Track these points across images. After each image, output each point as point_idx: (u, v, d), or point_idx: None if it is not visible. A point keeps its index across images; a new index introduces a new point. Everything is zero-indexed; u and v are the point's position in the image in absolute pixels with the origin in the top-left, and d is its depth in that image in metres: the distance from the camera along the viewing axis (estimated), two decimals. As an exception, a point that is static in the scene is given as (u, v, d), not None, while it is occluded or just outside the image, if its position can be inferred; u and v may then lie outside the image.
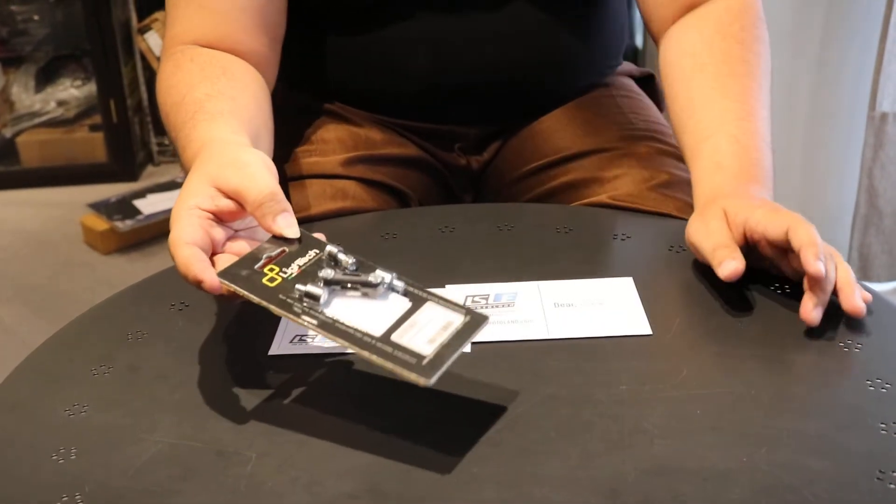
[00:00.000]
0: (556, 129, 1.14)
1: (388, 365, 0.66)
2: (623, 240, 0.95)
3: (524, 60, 1.10)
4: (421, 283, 0.73)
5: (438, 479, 0.65)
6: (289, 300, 0.70)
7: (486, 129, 1.15)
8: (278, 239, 0.75)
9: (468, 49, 1.08)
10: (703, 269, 0.88)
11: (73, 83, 3.19)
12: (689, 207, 1.03)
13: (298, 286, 0.70)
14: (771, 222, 0.81)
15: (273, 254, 0.73)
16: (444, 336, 0.68)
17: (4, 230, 2.84)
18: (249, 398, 0.74)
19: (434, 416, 0.71)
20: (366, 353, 0.66)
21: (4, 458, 0.69)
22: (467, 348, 0.70)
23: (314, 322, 0.69)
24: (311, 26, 1.11)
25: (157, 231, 2.73)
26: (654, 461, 0.65)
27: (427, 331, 0.69)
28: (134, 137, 3.14)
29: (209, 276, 0.72)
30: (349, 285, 0.72)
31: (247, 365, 0.79)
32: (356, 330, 0.68)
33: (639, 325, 0.80)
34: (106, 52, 3.04)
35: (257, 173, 0.77)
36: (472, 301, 0.84)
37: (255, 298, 0.69)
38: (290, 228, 0.75)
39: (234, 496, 0.64)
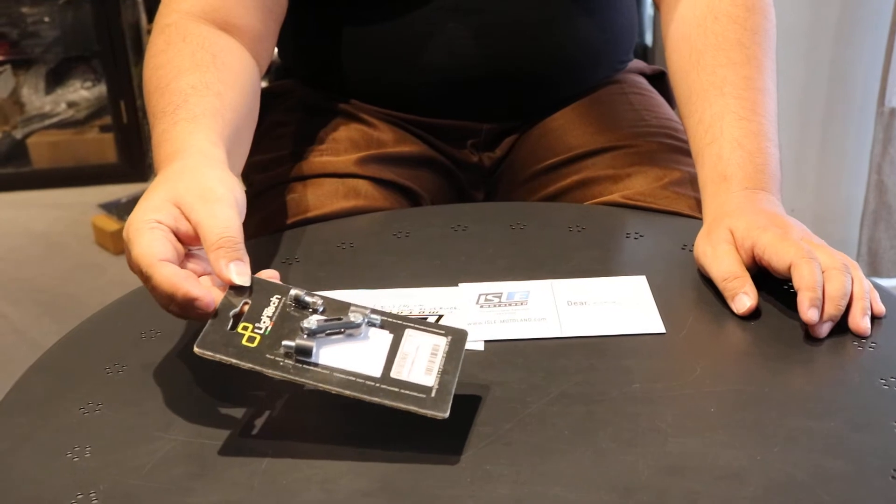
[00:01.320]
0: (569, 127, 1.14)
1: (400, 406, 0.66)
2: (636, 238, 0.95)
3: (537, 54, 1.10)
4: (391, 312, 0.74)
5: (452, 476, 0.65)
6: (276, 359, 0.68)
7: (498, 125, 1.15)
8: (235, 288, 0.72)
9: (481, 43, 1.08)
10: (716, 268, 0.88)
11: (83, 84, 3.20)
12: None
13: (286, 343, 0.68)
14: (776, 253, 0.80)
15: (236, 310, 0.71)
16: (438, 363, 0.69)
17: (15, 231, 2.85)
18: (263, 396, 0.74)
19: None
20: (375, 399, 0.66)
21: (19, 457, 0.70)
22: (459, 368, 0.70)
23: (314, 380, 0.67)
24: (325, 20, 1.12)
25: (168, 231, 2.73)
26: (668, 459, 0.65)
27: (420, 361, 0.69)
28: (144, 138, 3.14)
29: (203, 292, 0.70)
30: (332, 332, 0.70)
31: (260, 364, 0.78)
32: (356, 376, 0.67)
33: (652, 323, 0.80)
34: (115, 54, 3.04)
35: (222, 212, 0.74)
36: (486, 299, 0.84)
37: (244, 365, 0.67)
38: (242, 277, 0.72)
39: (248, 494, 0.64)
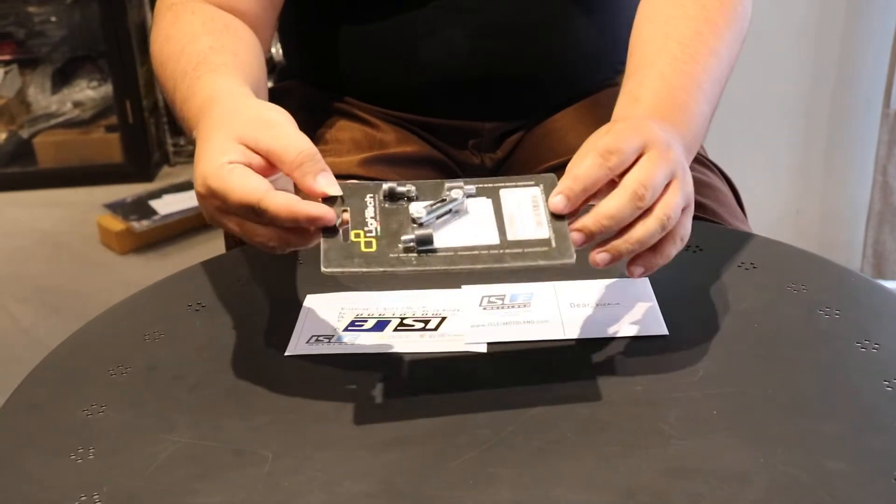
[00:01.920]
0: (571, 128, 1.14)
1: (529, 263, 0.67)
2: (639, 240, 0.95)
3: (537, 55, 1.10)
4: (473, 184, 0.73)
5: (454, 479, 0.65)
6: (400, 256, 0.68)
7: (500, 125, 1.15)
8: (327, 200, 0.71)
9: (480, 42, 1.08)
10: (720, 269, 0.88)
11: (90, 84, 3.21)
12: (705, 208, 1.03)
13: (405, 237, 0.68)
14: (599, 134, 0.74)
15: (339, 220, 0.70)
16: (542, 212, 0.70)
17: (21, 231, 2.86)
18: (266, 398, 0.74)
19: (450, 416, 0.71)
20: (505, 265, 0.67)
21: (23, 458, 0.70)
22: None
23: (442, 265, 0.67)
24: (326, 19, 1.12)
25: (174, 231, 2.74)
26: (671, 461, 0.65)
27: (527, 216, 0.70)
28: (150, 138, 3.15)
29: (322, 209, 0.68)
30: (440, 214, 0.70)
31: (263, 365, 0.79)
32: (479, 248, 0.68)
33: (655, 325, 0.80)
34: (122, 53, 3.05)
35: (289, 132, 0.73)
36: (489, 301, 0.84)
37: (375, 271, 0.66)
38: (332, 187, 0.71)
39: (251, 496, 0.64)
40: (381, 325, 0.82)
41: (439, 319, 0.82)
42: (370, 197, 0.71)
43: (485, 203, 0.71)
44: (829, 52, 2.16)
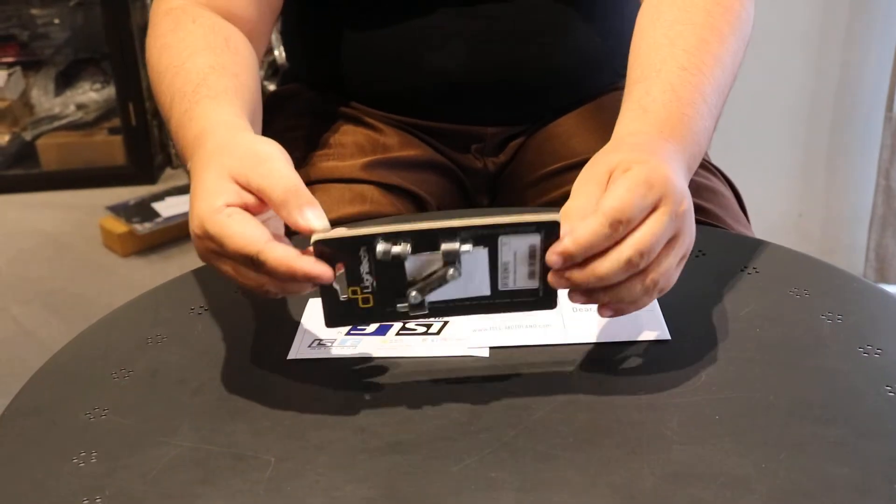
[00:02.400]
0: (574, 133, 1.14)
1: (516, 311, 0.72)
2: (641, 244, 0.95)
3: (539, 59, 1.10)
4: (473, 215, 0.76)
5: (456, 484, 0.65)
6: (397, 311, 0.71)
7: (503, 129, 1.15)
8: (321, 255, 0.69)
9: (484, 48, 1.08)
10: (723, 274, 0.88)
11: (93, 86, 3.21)
12: (708, 212, 1.03)
13: (399, 306, 0.71)
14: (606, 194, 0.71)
15: (334, 280, 0.70)
16: (538, 263, 0.71)
17: (24, 232, 2.86)
18: (268, 402, 0.74)
19: (452, 420, 0.71)
20: (494, 313, 0.72)
21: (26, 462, 0.70)
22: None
23: (435, 316, 0.72)
24: (328, 23, 1.12)
25: (176, 234, 2.74)
26: (673, 467, 0.65)
27: (521, 267, 0.71)
28: (152, 140, 3.15)
29: (320, 268, 0.68)
30: (435, 288, 0.71)
31: (265, 369, 0.79)
32: (470, 300, 0.72)
33: (657, 329, 0.80)
34: (125, 56, 3.05)
35: (278, 168, 0.72)
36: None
37: (374, 325, 0.72)
38: (320, 220, 0.70)
39: (253, 500, 0.64)
40: (383, 329, 0.82)
41: (442, 323, 0.82)
42: (363, 250, 0.70)
43: (481, 254, 0.70)
44: (831, 55, 2.16)
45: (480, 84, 1.10)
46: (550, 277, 0.70)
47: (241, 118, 0.83)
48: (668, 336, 0.79)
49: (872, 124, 2.18)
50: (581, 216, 0.69)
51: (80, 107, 3.19)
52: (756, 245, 0.94)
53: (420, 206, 1.10)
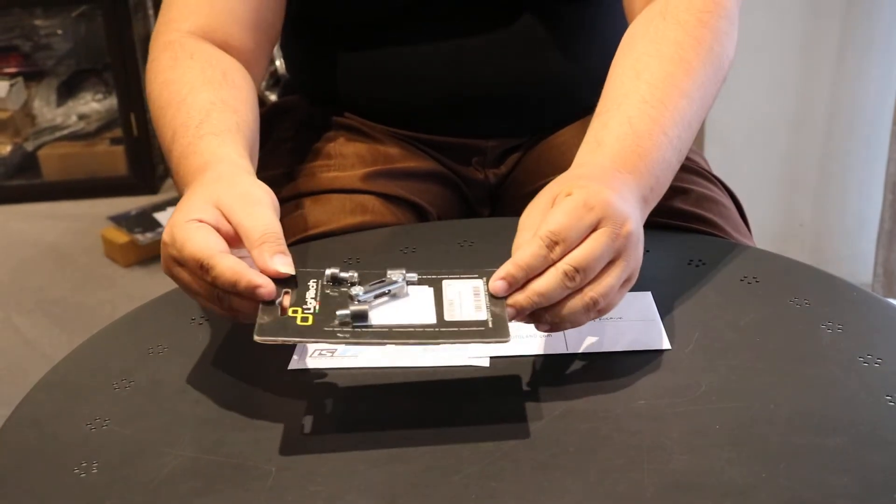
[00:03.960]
0: (573, 144, 1.13)
1: (464, 341, 0.69)
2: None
3: (539, 74, 1.10)
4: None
5: (457, 493, 0.65)
6: (334, 329, 0.70)
7: (503, 142, 1.15)
8: (275, 282, 0.72)
9: (483, 63, 1.08)
10: (723, 283, 0.88)
11: (94, 97, 3.22)
12: (708, 222, 1.03)
13: (340, 312, 0.70)
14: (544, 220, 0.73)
15: (280, 299, 0.72)
16: (483, 300, 0.71)
17: (26, 243, 2.86)
18: (269, 412, 0.74)
19: (453, 430, 0.71)
20: (440, 341, 0.69)
21: (27, 472, 0.70)
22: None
23: (375, 338, 0.69)
24: (326, 40, 1.12)
25: (177, 244, 2.74)
26: (673, 476, 0.65)
27: (466, 302, 0.72)
28: (154, 151, 3.15)
29: (265, 280, 0.71)
30: (378, 294, 0.72)
31: (266, 379, 0.79)
32: (413, 327, 0.70)
33: (657, 339, 0.80)
34: (127, 66, 3.06)
35: (264, 213, 0.76)
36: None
37: (307, 341, 0.69)
38: (287, 267, 0.73)
39: (254, 510, 0.65)
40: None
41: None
42: (313, 281, 0.74)
43: (426, 290, 0.73)
44: (836, 68, 2.16)
45: (479, 99, 1.10)
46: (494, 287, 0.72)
47: (244, 158, 0.86)
48: (668, 345, 0.79)
49: (876, 134, 2.18)
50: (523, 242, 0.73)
51: (81, 117, 3.20)
52: (757, 255, 0.95)
53: (421, 217, 1.10)
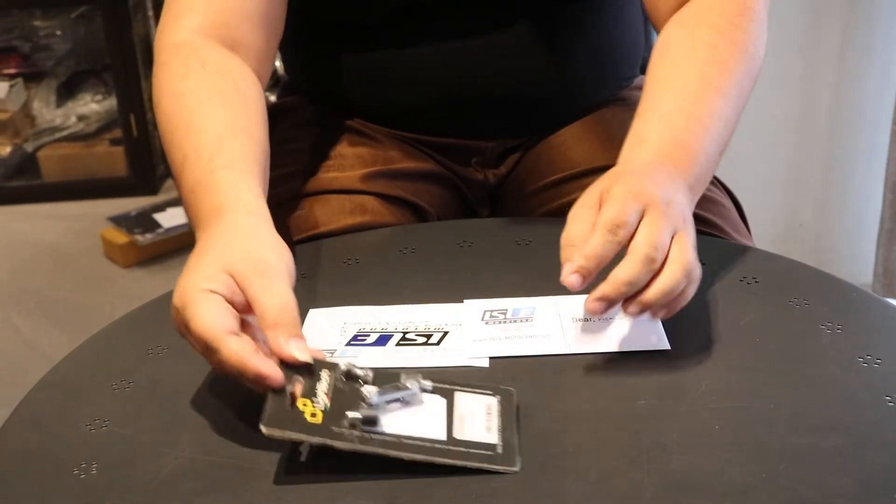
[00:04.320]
0: (573, 144, 1.14)
1: (472, 464, 0.67)
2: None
3: (538, 74, 1.10)
4: (442, 383, 0.74)
5: (456, 494, 0.65)
6: (343, 431, 0.67)
7: (502, 143, 1.15)
8: (285, 367, 0.70)
9: (482, 64, 1.08)
10: (723, 284, 0.88)
11: (94, 98, 3.21)
12: (708, 222, 1.03)
13: (351, 414, 0.68)
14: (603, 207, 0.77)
15: (292, 388, 0.70)
16: (494, 421, 0.70)
17: (25, 243, 2.86)
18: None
19: (452, 431, 0.71)
20: (448, 461, 0.67)
21: (26, 473, 0.70)
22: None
23: (384, 447, 0.67)
24: (329, 41, 1.12)
25: (178, 244, 2.74)
26: (673, 477, 0.65)
27: (478, 421, 0.70)
28: (154, 151, 3.15)
29: (272, 370, 0.69)
30: (391, 399, 0.70)
31: (266, 380, 0.79)
32: (423, 440, 0.68)
33: (657, 339, 0.80)
34: (126, 67, 3.06)
35: (277, 288, 0.73)
36: (491, 316, 0.84)
37: (314, 440, 0.66)
38: (303, 354, 0.71)
39: (253, 511, 0.65)
40: (383, 340, 0.82)
41: (441, 334, 0.82)
42: (327, 373, 0.71)
43: (439, 401, 0.72)
44: (836, 67, 2.16)
45: (479, 100, 1.10)
46: (588, 305, 0.74)
47: (259, 197, 0.84)
48: (668, 346, 0.79)
49: (876, 133, 2.18)
50: (581, 239, 0.75)
51: (81, 118, 3.20)
52: (756, 255, 0.94)
53: (420, 217, 1.10)
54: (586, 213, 0.78)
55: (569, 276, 0.73)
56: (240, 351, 0.69)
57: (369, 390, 0.69)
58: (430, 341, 0.81)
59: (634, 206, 0.76)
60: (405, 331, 0.83)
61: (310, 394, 0.69)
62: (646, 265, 0.73)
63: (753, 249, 0.98)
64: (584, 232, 0.76)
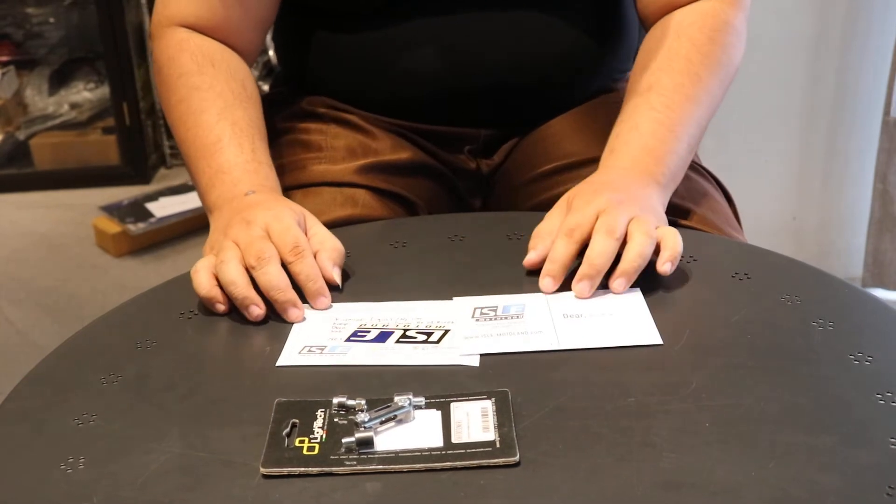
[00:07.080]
0: (566, 135, 1.14)
1: (471, 462, 0.67)
2: (633, 249, 0.95)
3: (531, 62, 1.10)
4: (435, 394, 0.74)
5: (445, 491, 0.65)
6: (341, 458, 0.68)
7: (495, 131, 1.15)
8: (282, 408, 0.73)
9: (476, 51, 1.08)
10: (714, 280, 0.88)
11: (87, 86, 3.20)
12: (700, 217, 1.03)
13: (346, 440, 0.69)
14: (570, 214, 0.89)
15: (287, 430, 0.71)
16: (491, 421, 0.70)
17: (17, 232, 2.85)
18: (257, 409, 0.74)
19: (442, 427, 0.71)
20: (447, 464, 0.67)
21: (13, 468, 0.70)
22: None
23: (382, 464, 0.67)
24: (321, 29, 1.12)
25: (170, 234, 2.73)
26: (663, 474, 0.65)
27: (474, 423, 0.70)
28: (147, 140, 3.15)
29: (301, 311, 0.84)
30: (384, 420, 0.71)
31: (255, 375, 0.79)
32: (420, 451, 0.68)
33: (648, 336, 0.80)
34: (119, 55, 3.05)
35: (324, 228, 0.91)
36: (481, 313, 0.84)
37: (313, 471, 0.67)
38: (338, 279, 0.88)
39: (241, 508, 0.64)
40: (383, 336, 0.81)
41: (442, 332, 0.82)
42: (321, 411, 0.73)
43: (433, 413, 0.72)
44: (827, 58, 2.16)
45: (471, 89, 1.10)
46: (574, 289, 0.85)
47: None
48: (659, 340, 0.79)
49: (868, 127, 2.18)
50: (549, 234, 0.89)
51: (73, 106, 3.19)
52: (748, 250, 0.94)
53: (411, 211, 1.10)
54: (558, 213, 0.92)
55: (543, 280, 0.86)
56: (315, 265, 0.86)
57: (362, 416, 0.70)
58: (430, 339, 0.81)
59: (589, 209, 0.87)
60: (406, 328, 0.82)
61: (306, 432, 0.71)
62: (606, 237, 0.84)
63: (745, 245, 0.98)
64: (552, 228, 0.89)
